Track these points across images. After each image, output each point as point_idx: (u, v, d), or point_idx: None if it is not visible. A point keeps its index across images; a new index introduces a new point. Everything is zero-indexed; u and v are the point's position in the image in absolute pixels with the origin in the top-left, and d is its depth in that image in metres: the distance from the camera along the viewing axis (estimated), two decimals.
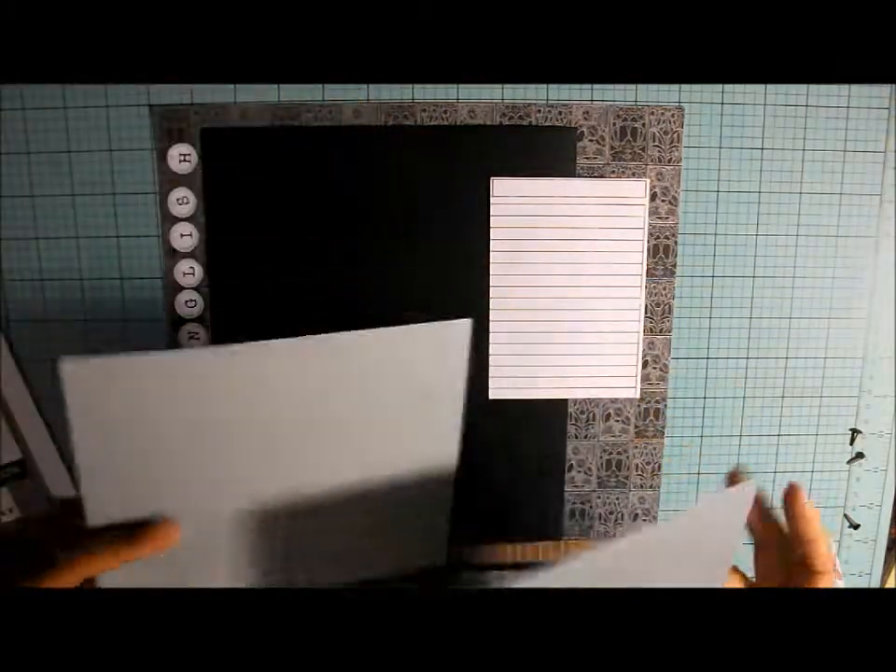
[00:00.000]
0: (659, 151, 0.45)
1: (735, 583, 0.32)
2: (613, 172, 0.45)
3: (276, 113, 0.44)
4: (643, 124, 0.45)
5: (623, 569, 0.25)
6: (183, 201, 0.44)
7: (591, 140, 0.45)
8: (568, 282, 0.46)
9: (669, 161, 0.45)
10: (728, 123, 0.45)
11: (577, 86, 0.44)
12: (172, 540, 0.28)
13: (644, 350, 0.47)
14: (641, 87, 0.44)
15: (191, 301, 0.45)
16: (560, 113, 0.45)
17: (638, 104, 0.45)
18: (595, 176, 0.45)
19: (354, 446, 0.31)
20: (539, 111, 0.44)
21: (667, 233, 0.46)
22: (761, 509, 0.32)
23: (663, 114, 0.45)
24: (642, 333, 0.47)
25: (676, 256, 0.46)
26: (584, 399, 0.47)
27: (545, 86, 0.44)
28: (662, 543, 0.26)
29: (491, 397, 0.46)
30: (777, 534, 0.32)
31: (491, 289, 0.45)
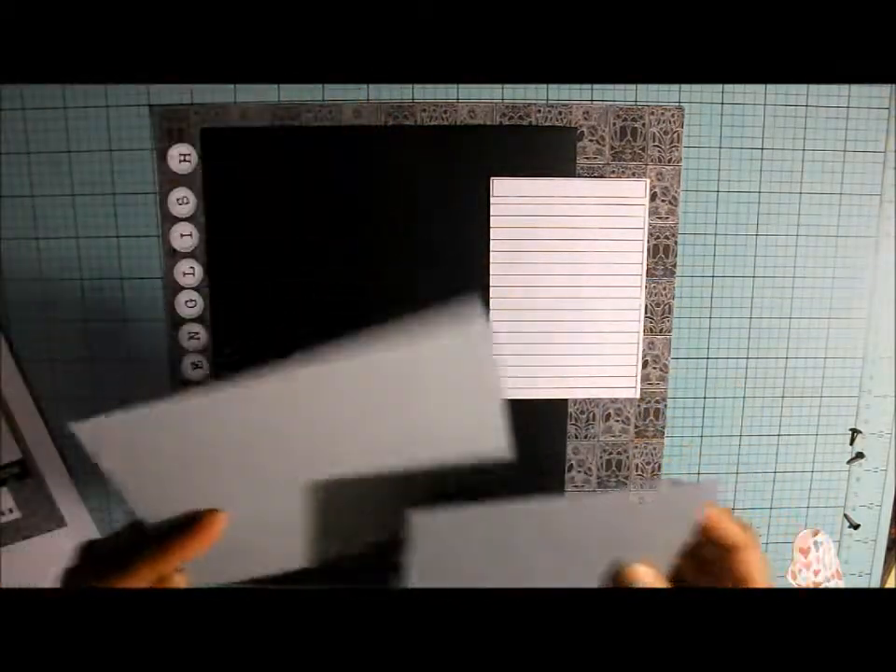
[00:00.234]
0: (659, 151, 0.45)
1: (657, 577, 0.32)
2: (613, 172, 0.45)
3: (276, 113, 0.44)
4: (643, 124, 0.45)
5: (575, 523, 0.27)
6: (183, 201, 0.44)
7: (591, 140, 0.45)
8: (568, 282, 0.46)
9: (669, 161, 0.45)
10: (728, 123, 0.45)
11: (577, 86, 0.44)
12: (219, 529, 0.28)
13: (644, 350, 0.47)
14: (641, 87, 0.44)
15: (191, 301, 0.45)
16: (560, 113, 0.45)
17: (638, 104, 0.45)
18: (595, 176, 0.45)
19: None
20: (539, 111, 0.44)
21: (667, 233, 0.46)
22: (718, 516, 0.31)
23: (663, 114, 0.45)
24: (642, 333, 0.47)
25: (676, 256, 0.46)
26: (584, 399, 0.47)
27: (545, 86, 0.44)
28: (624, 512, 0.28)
29: None
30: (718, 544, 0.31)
31: (491, 289, 0.45)
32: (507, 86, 0.44)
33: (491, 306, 0.46)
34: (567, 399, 0.47)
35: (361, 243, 0.45)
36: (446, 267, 0.45)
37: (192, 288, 0.45)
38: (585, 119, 0.45)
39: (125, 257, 0.45)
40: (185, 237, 0.45)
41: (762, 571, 0.30)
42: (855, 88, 0.45)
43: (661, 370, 0.47)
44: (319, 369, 0.27)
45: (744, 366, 0.47)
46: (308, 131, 0.44)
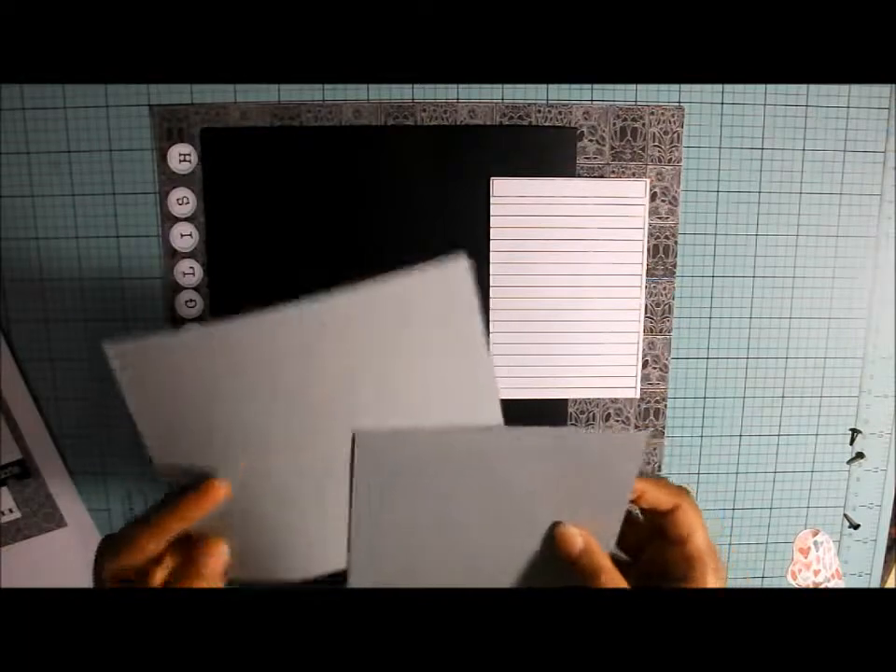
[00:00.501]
0: (659, 151, 0.45)
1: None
2: (613, 172, 0.45)
3: (276, 113, 0.44)
4: (643, 124, 0.45)
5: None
6: (183, 201, 0.44)
7: (591, 140, 0.45)
8: (568, 282, 0.46)
9: (669, 161, 0.45)
10: (728, 123, 0.45)
11: (577, 86, 0.44)
12: (219, 495, 0.28)
13: (644, 350, 0.47)
14: (641, 87, 0.44)
15: (191, 301, 0.45)
16: (560, 113, 0.45)
17: (638, 104, 0.45)
18: (595, 176, 0.45)
19: (395, 402, 0.30)
20: (539, 111, 0.44)
21: (667, 233, 0.46)
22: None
23: (663, 114, 0.45)
24: (642, 333, 0.47)
25: (676, 256, 0.46)
26: (584, 399, 0.47)
27: (545, 86, 0.44)
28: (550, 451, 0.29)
29: None
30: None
31: (491, 289, 0.45)
32: (507, 86, 0.44)
33: (491, 306, 0.46)
34: (566, 400, 0.47)
35: (361, 243, 0.45)
36: None
37: (192, 288, 0.45)
38: (585, 119, 0.45)
39: (125, 257, 0.45)
40: (185, 237, 0.45)
41: (701, 527, 0.31)
42: (855, 88, 0.45)
43: (661, 370, 0.47)
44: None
45: (744, 366, 0.47)
46: (308, 131, 0.44)
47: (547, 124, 0.45)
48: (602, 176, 0.45)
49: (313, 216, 0.44)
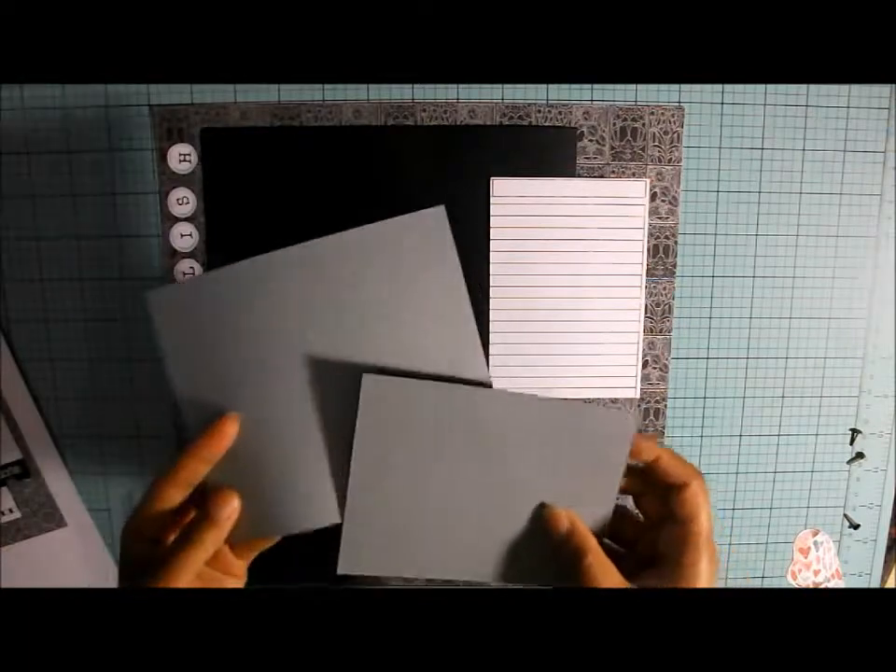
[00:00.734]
0: (659, 151, 0.45)
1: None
2: (613, 172, 0.45)
3: (276, 113, 0.44)
4: (643, 124, 0.45)
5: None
6: (183, 201, 0.44)
7: (591, 140, 0.45)
8: (568, 282, 0.46)
9: (669, 161, 0.45)
10: (728, 123, 0.45)
11: (577, 86, 0.44)
12: (233, 430, 0.30)
13: (644, 350, 0.47)
14: (641, 87, 0.44)
15: None
16: (560, 113, 0.45)
17: (638, 104, 0.45)
18: (595, 176, 0.45)
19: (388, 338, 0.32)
20: (539, 111, 0.44)
21: (667, 233, 0.46)
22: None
23: (663, 114, 0.45)
24: (642, 333, 0.47)
25: (676, 256, 0.46)
26: (584, 399, 0.47)
27: (545, 86, 0.44)
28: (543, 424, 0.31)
29: None
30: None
31: (491, 289, 0.45)
32: (507, 86, 0.44)
33: (491, 306, 0.46)
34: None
35: None
36: None
37: None
38: (585, 119, 0.45)
39: (125, 256, 0.45)
40: (185, 237, 0.45)
41: (707, 512, 0.31)
42: (855, 88, 0.45)
43: (661, 370, 0.47)
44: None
45: (744, 366, 0.47)
46: (308, 131, 0.44)
47: (547, 124, 0.45)
48: (602, 176, 0.45)
49: (313, 216, 0.44)
